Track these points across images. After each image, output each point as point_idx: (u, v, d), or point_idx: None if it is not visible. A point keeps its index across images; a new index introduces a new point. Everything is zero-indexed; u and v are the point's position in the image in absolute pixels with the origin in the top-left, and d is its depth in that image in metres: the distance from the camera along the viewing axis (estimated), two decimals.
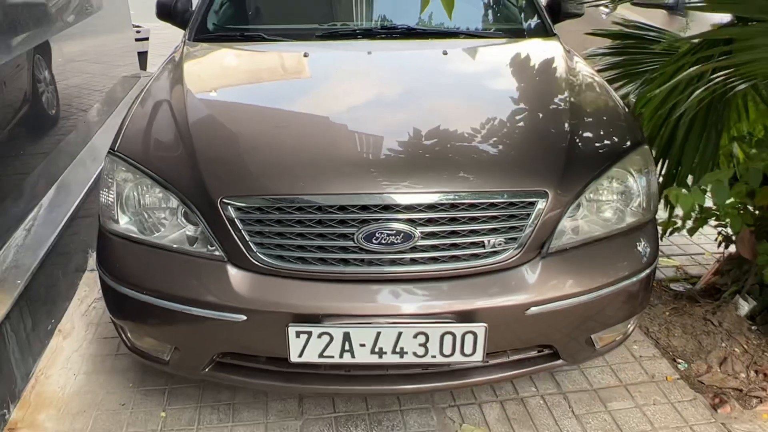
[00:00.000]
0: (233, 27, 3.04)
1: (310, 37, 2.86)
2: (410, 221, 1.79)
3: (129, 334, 2.07)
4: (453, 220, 1.81)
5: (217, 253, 1.86)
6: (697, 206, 2.60)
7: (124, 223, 1.98)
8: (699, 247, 3.36)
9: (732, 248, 2.78)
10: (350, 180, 1.84)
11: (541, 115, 2.25)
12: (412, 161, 1.94)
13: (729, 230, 2.67)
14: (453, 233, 1.82)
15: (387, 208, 1.79)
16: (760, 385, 2.31)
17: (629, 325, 2.13)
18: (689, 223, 2.70)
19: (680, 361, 2.47)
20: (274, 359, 1.92)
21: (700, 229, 2.73)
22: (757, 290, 2.58)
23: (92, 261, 3.13)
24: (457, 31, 2.90)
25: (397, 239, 1.78)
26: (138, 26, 5.41)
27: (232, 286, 1.82)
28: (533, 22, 3.08)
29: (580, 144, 2.05)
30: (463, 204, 1.81)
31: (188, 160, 1.95)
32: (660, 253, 3.29)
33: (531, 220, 1.85)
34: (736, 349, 2.44)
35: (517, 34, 3.03)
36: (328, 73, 2.60)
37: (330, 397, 2.29)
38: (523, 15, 3.15)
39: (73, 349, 2.53)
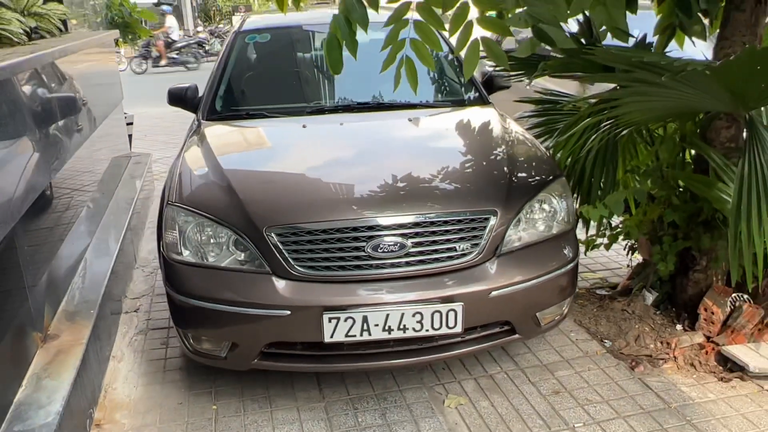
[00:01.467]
0: (237, 108, 3.79)
1: (302, 113, 3.64)
2: (403, 235, 2.54)
3: (191, 340, 2.70)
4: (433, 233, 2.57)
5: (264, 268, 2.54)
6: (607, 224, 3.45)
7: (186, 254, 2.66)
8: (618, 263, 4.20)
9: (639, 257, 3.63)
10: (358, 210, 2.58)
11: (488, 160, 3.06)
12: (403, 194, 2.71)
13: (632, 242, 3.52)
14: (434, 242, 2.57)
15: (386, 227, 2.54)
16: (665, 351, 3.09)
17: (564, 308, 2.88)
18: (606, 241, 3.54)
19: (606, 340, 3.23)
20: (308, 346, 2.60)
21: (615, 245, 3.58)
22: (658, 284, 3.41)
23: (125, 305, 3.72)
24: (417, 104, 3.74)
25: (395, 248, 2.52)
26: (125, 113, 6.11)
27: (278, 290, 2.51)
28: (473, 94, 3.95)
29: (516, 178, 2.86)
30: (439, 221, 2.58)
31: (235, 205, 2.65)
32: (587, 269, 4.14)
33: (487, 231, 2.62)
34: (646, 329, 3.23)
35: (461, 103, 3.89)
36: (326, 138, 3.36)
37: (343, 384, 2.94)
38: (464, 89, 4.03)
39: (128, 369, 3.11)
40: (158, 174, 6.60)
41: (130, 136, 6.21)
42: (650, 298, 3.37)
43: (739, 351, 2.95)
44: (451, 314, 2.49)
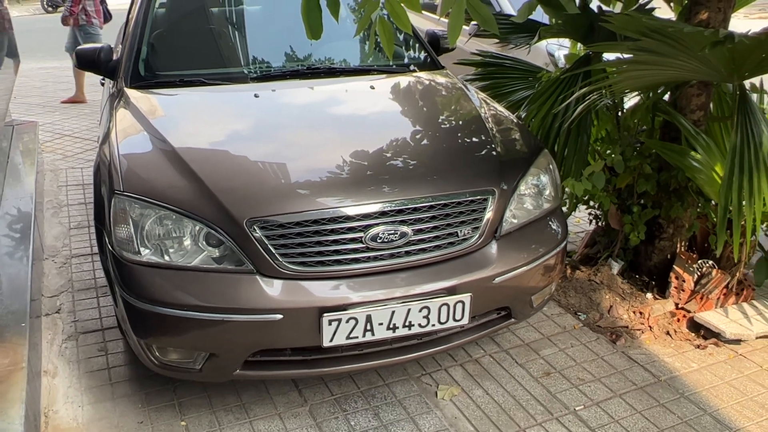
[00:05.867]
0: (165, 73, 3.27)
1: (245, 80, 3.21)
2: (403, 222, 2.28)
3: (156, 353, 2.31)
4: (433, 218, 2.34)
5: (245, 266, 2.20)
6: (570, 194, 3.37)
7: (146, 253, 2.25)
8: None
9: (593, 226, 3.61)
10: (355, 195, 2.29)
11: (471, 134, 2.83)
12: (399, 176, 2.43)
13: (597, 211, 3.48)
14: (434, 228, 2.34)
15: (386, 214, 2.27)
16: (639, 321, 3.09)
17: (553, 286, 2.78)
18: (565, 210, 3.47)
19: (580, 313, 3.19)
20: (298, 351, 2.30)
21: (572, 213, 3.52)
22: (622, 254, 3.40)
23: (44, 306, 3.19)
24: (371, 68, 3.43)
25: (396, 237, 2.26)
26: None
27: (266, 292, 2.18)
28: (425, 57, 3.69)
29: (505, 153, 2.67)
30: (439, 205, 2.35)
31: (202, 192, 2.27)
32: None
33: (487, 212, 2.42)
34: (617, 299, 3.21)
35: (415, 67, 3.59)
36: (288, 111, 2.96)
37: (323, 382, 2.68)
38: (417, 52, 3.75)
39: (66, 386, 2.65)
40: (43, 144, 5.81)
41: None
42: (616, 267, 3.36)
43: (712, 318, 3.00)
44: (459, 306, 2.30)
